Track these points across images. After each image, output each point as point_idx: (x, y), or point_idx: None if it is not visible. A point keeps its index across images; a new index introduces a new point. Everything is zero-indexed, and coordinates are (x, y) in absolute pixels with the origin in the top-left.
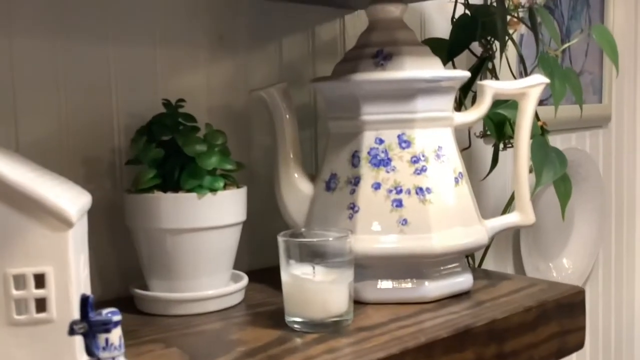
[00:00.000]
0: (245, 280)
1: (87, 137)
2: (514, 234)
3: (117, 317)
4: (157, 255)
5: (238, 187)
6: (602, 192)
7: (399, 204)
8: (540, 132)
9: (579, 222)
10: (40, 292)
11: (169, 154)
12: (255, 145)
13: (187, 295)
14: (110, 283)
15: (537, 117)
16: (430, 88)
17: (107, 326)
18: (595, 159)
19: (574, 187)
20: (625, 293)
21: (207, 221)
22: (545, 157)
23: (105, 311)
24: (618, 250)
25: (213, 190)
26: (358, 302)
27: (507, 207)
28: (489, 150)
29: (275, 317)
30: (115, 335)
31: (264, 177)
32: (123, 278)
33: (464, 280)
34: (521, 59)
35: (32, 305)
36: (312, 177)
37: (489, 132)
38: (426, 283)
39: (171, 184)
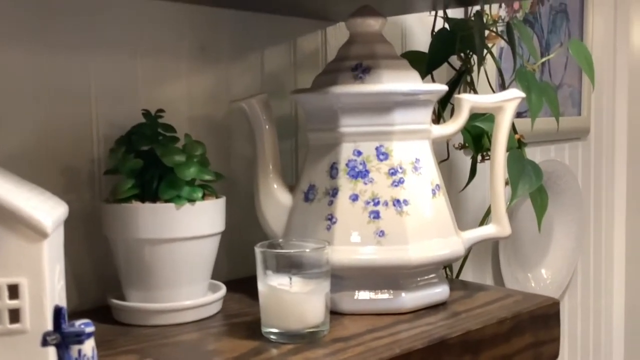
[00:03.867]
0: (223, 290)
1: (67, 147)
2: (493, 245)
3: (90, 329)
4: (134, 265)
5: (217, 197)
6: (580, 204)
7: (376, 215)
8: (516, 145)
9: (558, 233)
10: (14, 303)
11: (147, 164)
12: (236, 156)
13: (164, 305)
14: (88, 293)
15: (514, 130)
16: (408, 101)
17: (80, 337)
18: (574, 171)
19: (553, 199)
20: (603, 303)
21: (185, 231)
22: (521, 170)
23: (78, 322)
24: (596, 261)
25: (191, 200)
26: (335, 313)
27: (485, 219)
28: (467, 162)
29: (252, 327)
30: (88, 346)
31: (243, 188)
32: (101, 288)
33: (440, 292)
34: (500, 73)
35: (6, 316)
36: (291, 188)
37: (467, 145)
38: (403, 294)
39: (149, 194)
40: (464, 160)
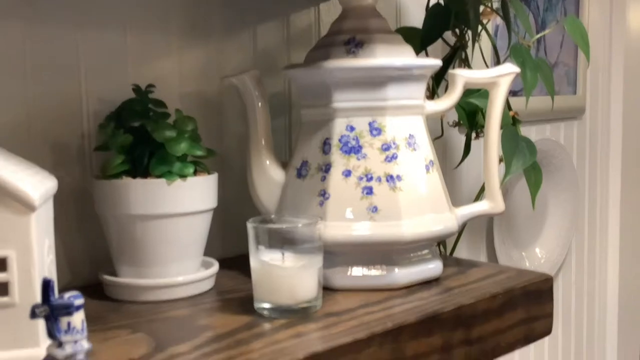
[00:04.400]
0: (215, 266)
1: (56, 123)
2: (488, 223)
3: (79, 301)
4: (126, 241)
5: (209, 173)
6: (575, 183)
7: (369, 191)
8: (511, 122)
9: (552, 212)
10: (2, 276)
11: (138, 140)
12: (228, 133)
13: (156, 281)
14: (80, 270)
15: (508, 107)
16: (401, 76)
17: (69, 309)
18: (569, 150)
19: (548, 178)
20: (597, 283)
21: (177, 207)
22: (515, 147)
23: (67, 295)
24: (591, 240)
25: (183, 176)
26: (328, 289)
27: (479, 196)
28: (462, 139)
29: (245, 303)
30: (78, 318)
31: (236, 165)
32: (92, 265)
33: (433, 267)
34: (494, 50)
35: None
36: (284, 165)
37: (461, 122)
38: (396, 270)
39: (140, 171)
40: (459, 138)
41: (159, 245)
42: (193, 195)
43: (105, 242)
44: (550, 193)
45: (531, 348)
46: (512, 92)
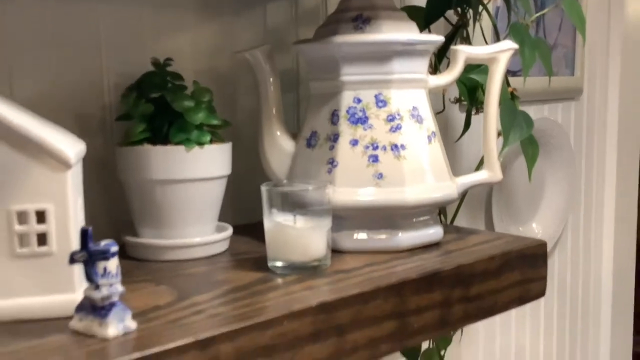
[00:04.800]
0: (230, 230)
1: (78, 95)
2: (486, 199)
3: (115, 248)
4: (147, 205)
5: (223, 142)
6: (572, 162)
7: (375, 159)
8: (509, 97)
9: (550, 190)
10: (41, 227)
11: (157, 111)
12: (240, 107)
13: (175, 241)
14: (102, 235)
15: (507, 83)
16: (406, 51)
17: (105, 255)
18: (566, 131)
19: (546, 157)
20: (592, 260)
21: (194, 173)
22: (513, 119)
23: (103, 242)
24: (587, 218)
25: (200, 143)
26: (336, 252)
27: (478, 169)
28: (463, 115)
29: (258, 263)
30: (113, 264)
31: (247, 137)
32: (114, 230)
33: (434, 232)
34: (494, 29)
35: (34, 240)
36: (294, 136)
37: (462, 98)
38: (399, 233)
39: (160, 139)
40: (459, 115)
41: (177, 209)
42: (209, 162)
43: (126, 208)
44: (548, 171)
45: (527, 322)
46: (511, 72)
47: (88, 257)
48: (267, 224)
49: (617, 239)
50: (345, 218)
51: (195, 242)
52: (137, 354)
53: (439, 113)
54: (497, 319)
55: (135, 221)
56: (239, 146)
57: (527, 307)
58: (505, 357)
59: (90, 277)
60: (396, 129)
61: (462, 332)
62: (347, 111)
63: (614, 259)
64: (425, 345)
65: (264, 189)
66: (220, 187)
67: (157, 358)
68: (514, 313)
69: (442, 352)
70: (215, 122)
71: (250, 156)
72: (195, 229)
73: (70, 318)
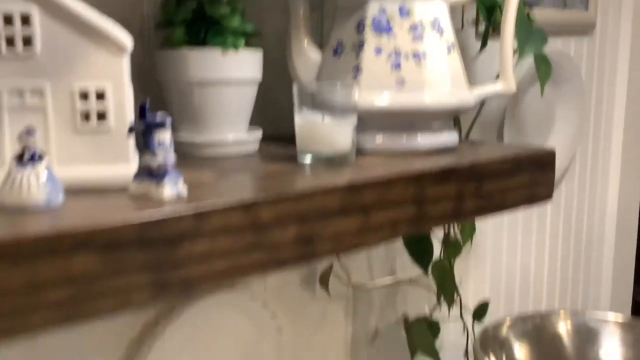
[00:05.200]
0: (260, 132)
1: (119, 5)
2: (498, 130)
3: (169, 120)
4: (185, 106)
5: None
6: (582, 93)
7: (397, 66)
8: (526, 15)
9: (559, 120)
10: (100, 106)
11: (195, 17)
12: (268, 20)
13: (211, 138)
14: None
15: (524, 2)
16: None
17: (161, 125)
18: (578, 63)
19: (557, 88)
20: (599, 192)
21: (229, 74)
22: (529, 34)
23: (159, 114)
24: (594, 151)
25: (235, 46)
26: (358, 154)
27: None
28: (478, 44)
29: (288, 159)
30: (167, 135)
31: (275, 51)
32: None
33: (450, 138)
34: None
35: (94, 116)
36: (320, 47)
37: (481, 18)
38: (418, 136)
39: (197, 44)
40: (475, 42)
41: (213, 109)
42: (243, 65)
43: (164, 109)
44: (558, 102)
45: (533, 243)
46: (529, 4)
47: (146, 128)
48: (298, 119)
49: (623, 171)
50: (368, 121)
51: (230, 140)
52: (191, 211)
53: (458, 30)
54: (505, 239)
55: (174, 122)
56: (266, 59)
57: (534, 229)
58: (510, 274)
59: (147, 145)
60: (418, 38)
61: (471, 242)
62: (372, 21)
63: (619, 190)
64: (437, 253)
65: (295, 88)
66: (252, 90)
67: (207, 215)
68: (520, 233)
69: (452, 261)
70: (249, 29)
71: (277, 69)
72: (229, 128)
73: (124, 190)
